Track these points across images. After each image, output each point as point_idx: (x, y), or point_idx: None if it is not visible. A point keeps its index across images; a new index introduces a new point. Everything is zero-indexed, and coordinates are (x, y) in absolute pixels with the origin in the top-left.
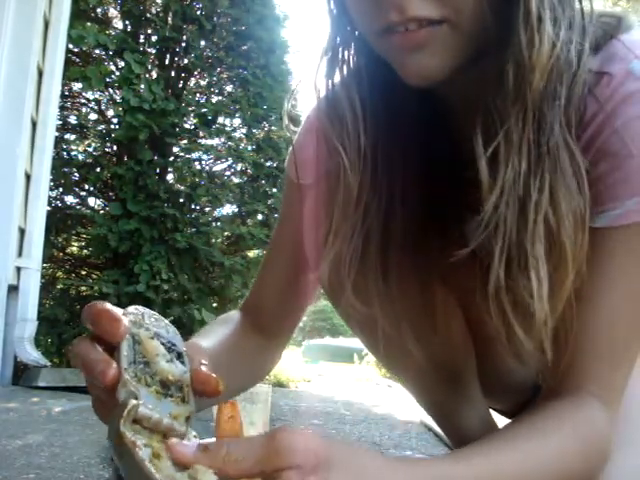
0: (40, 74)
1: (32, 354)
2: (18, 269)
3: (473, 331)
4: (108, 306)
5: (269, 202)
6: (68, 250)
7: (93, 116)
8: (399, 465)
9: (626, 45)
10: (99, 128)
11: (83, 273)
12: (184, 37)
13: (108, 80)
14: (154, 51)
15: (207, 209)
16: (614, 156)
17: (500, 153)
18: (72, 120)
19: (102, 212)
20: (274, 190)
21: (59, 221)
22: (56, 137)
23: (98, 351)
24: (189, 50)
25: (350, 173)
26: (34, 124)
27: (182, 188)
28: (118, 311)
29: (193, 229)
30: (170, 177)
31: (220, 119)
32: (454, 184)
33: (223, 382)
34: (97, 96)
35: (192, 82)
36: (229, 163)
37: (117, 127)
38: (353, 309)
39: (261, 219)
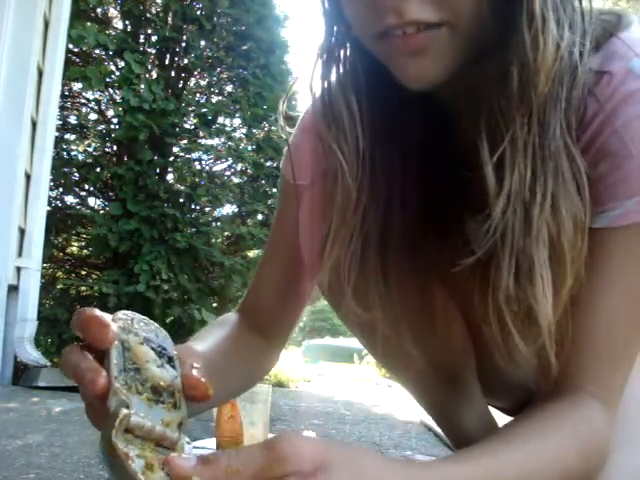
0: (40, 74)
1: (32, 354)
2: (18, 269)
3: (473, 331)
4: (97, 312)
5: (269, 202)
6: (68, 250)
7: (93, 116)
8: (399, 466)
9: (626, 43)
10: (99, 128)
11: (83, 273)
12: (184, 37)
13: (108, 80)
14: (154, 51)
15: (207, 209)
16: (614, 156)
17: (506, 158)
18: (72, 120)
19: (102, 212)
20: (274, 190)
21: (59, 221)
22: (56, 137)
23: (88, 359)
24: (189, 50)
25: (348, 177)
26: (34, 124)
27: (182, 188)
28: (107, 317)
29: (193, 229)
30: (170, 177)
31: (220, 119)
32: (454, 184)
33: (212, 386)
34: (97, 96)
35: (192, 82)
36: (229, 163)
37: (117, 127)
38: (354, 314)
39: (261, 219)
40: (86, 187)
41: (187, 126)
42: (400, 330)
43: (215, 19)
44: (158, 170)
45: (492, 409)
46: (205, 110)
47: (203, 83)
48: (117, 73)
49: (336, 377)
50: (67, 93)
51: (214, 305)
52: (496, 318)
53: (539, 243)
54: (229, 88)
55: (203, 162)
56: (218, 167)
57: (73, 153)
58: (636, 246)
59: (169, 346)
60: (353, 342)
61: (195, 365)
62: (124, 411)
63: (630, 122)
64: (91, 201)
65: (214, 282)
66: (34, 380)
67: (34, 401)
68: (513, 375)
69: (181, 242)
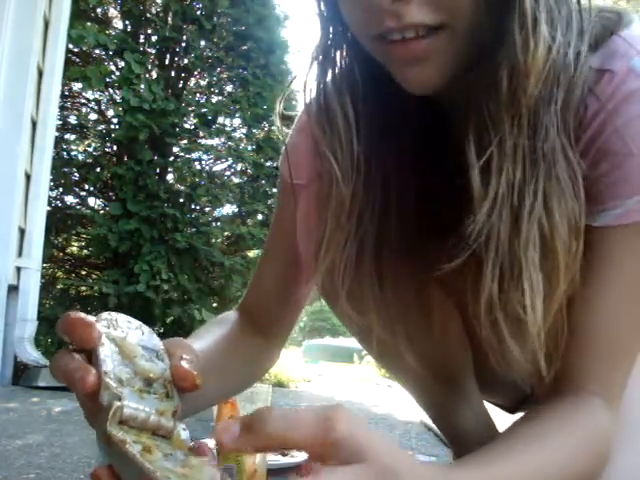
0: (40, 74)
1: (32, 354)
2: (18, 269)
3: (470, 331)
4: (80, 314)
5: (269, 202)
6: (68, 250)
7: (93, 116)
8: (422, 469)
9: (627, 41)
10: (99, 128)
11: (83, 273)
12: (184, 37)
13: (108, 80)
14: (154, 51)
15: (207, 209)
16: (615, 155)
17: (493, 161)
18: (72, 120)
19: (102, 212)
20: (274, 190)
21: (59, 221)
22: (56, 137)
23: (76, 360)
24: (189, 50)
25: (342, 184)
26: (34, 124)
27: (182, 188)
28: (91, 318)
29: (193, 229)
30: (170, 177)
31: (220, 119)
32: (450, 186)
33: (200, 377)
34: (97, 96)
35: (192, 82)
36: (229, 163)
37: (117, 127)
38: (348, 318)
39: (261, 219)
40: (86, 187)
41: (187, 126)
42: (396, 332)
43: (215, 19)
44: (158, 170)
45: (490, 406)
46: (205, 110)
47: (203, 83)
48: (117, 73)
49: (336, 377)
50: (67, 93)
51: (214, 305)
52: (488, 321)
53: (528, 247)
54: (229, 88)
55: (203, 162)
56: (218, 167)
57: (73, 153)
58: (636, 245)
59: (155, 340)
60: (353, 342)
61: (184, 356)
62: (117, 403)
63: (631, 121)
64: (91, 201)
65: (214, 282)
66: (34, 380)
67: (34, 401)
68: (510, 374)
69: (181, 242)
